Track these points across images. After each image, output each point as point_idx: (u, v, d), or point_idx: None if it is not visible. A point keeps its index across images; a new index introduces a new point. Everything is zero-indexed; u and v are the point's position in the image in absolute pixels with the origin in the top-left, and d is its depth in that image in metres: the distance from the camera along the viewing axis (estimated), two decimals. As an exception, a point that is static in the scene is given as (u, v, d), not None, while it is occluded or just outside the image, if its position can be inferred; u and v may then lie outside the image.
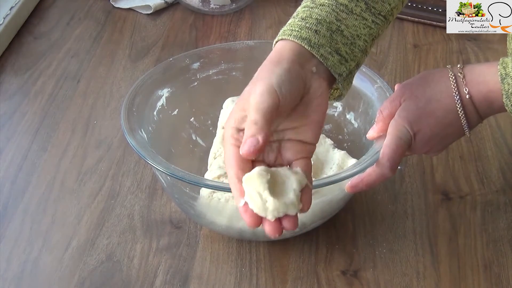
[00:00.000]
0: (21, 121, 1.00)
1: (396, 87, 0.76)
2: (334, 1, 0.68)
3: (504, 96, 0.68)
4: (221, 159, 0.83)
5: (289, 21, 0.68)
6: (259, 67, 0.64)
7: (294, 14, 0.68)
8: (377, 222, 0.83)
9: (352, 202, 0.84)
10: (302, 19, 0.67)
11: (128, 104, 0.80)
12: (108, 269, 0.78)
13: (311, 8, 0.67)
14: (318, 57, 0.65)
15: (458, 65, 0.71)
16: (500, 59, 0.69)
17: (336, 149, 0.85)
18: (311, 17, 0.66)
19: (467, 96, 0.69)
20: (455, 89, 0.70)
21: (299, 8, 0.69)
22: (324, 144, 0.85)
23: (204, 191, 0.77)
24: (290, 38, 0.65)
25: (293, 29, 0.66)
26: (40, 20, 1.23)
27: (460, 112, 0.70)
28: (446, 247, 0.80)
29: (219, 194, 0.76)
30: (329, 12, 0.67)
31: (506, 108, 0.68)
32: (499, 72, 0.68)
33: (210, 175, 0.80)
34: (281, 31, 0.67)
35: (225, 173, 0.79)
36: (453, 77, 0.70)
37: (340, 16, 0.67)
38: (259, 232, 0.77)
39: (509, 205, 0.85)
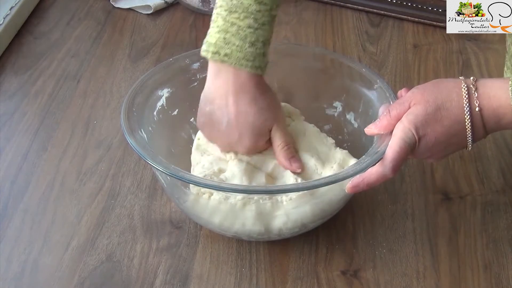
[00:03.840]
0: (21, 121, 1.00)
1: (403, 91, 0.76)
2: (270, 16, 0.77)
3: None
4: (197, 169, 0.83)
5: (238, 43, 0.76)
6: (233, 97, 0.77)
7: (242, 34, 0.76)
8: (377, 222, 0.83)
9: (352, 202, 0.84)
10: (252, 44, 0.76)
11: (128, 104, 0.80)
12: (108, 269, 0.78)
13: (256, 29, 0.76)
14: (263, 74, 0.78)
15: (472, 77, 0.71)
16: None
17: (337, 148, 0.85)
18: (258, 41, 0.76)
19: (477, 109, 0.70)
20: (466, 100, 0.70)
21: (242, 23, 0.76)
22: (326, 143, 0.85)
23: (193, 190, 0.77)
24: (247, 70, 0.76)
25: (248, 58, 0.76)
26: (40, 20, 1.23)
27: (468, 123, 0.70)
28: (446, 247, 0.80)
29: (214, 194, 0.76)
30: (268, 30, 0.77)
31: None
32: (510, 88, 0.68)
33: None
34: (234, 56, 0.76)
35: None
36: (466, 89, 0.70)
37: (272, 27, 0.78)
38: (254, 233, 0.77)
39: (509, 205, 0.85)
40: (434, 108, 0.70)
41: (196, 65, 0.90)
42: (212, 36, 0.77)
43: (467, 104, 0.70)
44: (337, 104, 0.90)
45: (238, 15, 0.75)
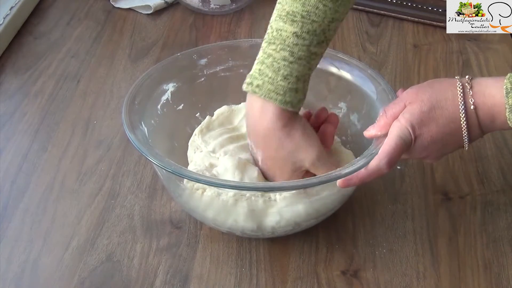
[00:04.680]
0: (21, 121, 1.00)
1: (399, 92, 0.76)
2: (308, 52, 0.74)
3: (507, 110, 0.68)
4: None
5: (270, 75, 0.73)
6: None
7: (275, 66, 0.73)
8: (377, 222, 0.83)
9: (352, 202, 0.84)
10: (284, 77, 0.73)
11: (131, 97, 0.81)
12: (108, 269, 0.78)
13: (291, 63, 0.73)
14: (296, 111, 0.75)
15: (467, 76, 0.71)
16: (508, 74, 0.69)
17: (342, 147, 0.86)
18: (291, 75, 0.73)
19: (472, 107, 0.69)
20: (461, 98, 0.70)
21: (278, 55, 0.73)
22: (334, 142, 0.85)
23: (188, 185, 0.77)
24: (276, 104, 0.73)
25: (278, 92, 0.73)
26: (40, 20, 1.23)
27: (463, 122, 0.70)
28: (446, 247, 0.80)
29: (207, 190, 0.76)
30: (305, 65, 0.74)
31: (509, 122, 0.68)
32: (505, 86, 0.68)
33: None
34: (265, 88, 0.73)
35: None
36: (461, 87, 0.70)
37: (311, 64, 0.75)
38: (246, 230, 0.78)
39: (509, 205, 0.85)
40: (429, 107, 0.70)
41: (203, 61, 0.90)
42: (253, 68, 0.76)
43: (462, 102, 0.70)
44: (342, 105, 0.90)
45: (275, 46, 0.74)
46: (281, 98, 0.73)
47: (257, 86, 0.74)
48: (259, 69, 0.74)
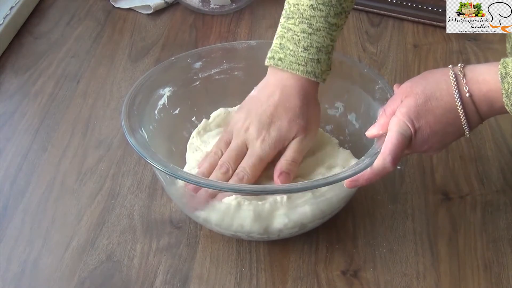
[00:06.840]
0: (21, 121, 1.00)
1: (394, 87, 0.76)
2: (327, 23, 0.78)
3: (504, 96, 0.67)
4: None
5: (292, 48, 0.77)
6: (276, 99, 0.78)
7: (296, 38, 0.77)
8: (377, 222, 0.83)
9: (352, 202, 0.84)
10: (305, 49, 0.77)
11: (129, 103, 0.81)
12: (108, 269, 0.78)
13: (310, 34, 0.77)
14: (321, 82, 0.79)
15: (459, 64, 0.71)
16: (502, 59, 0.69)
17: (341, 148, 0.86)
18: (312, 46, 0.77)
19: (467, 95, 0.69)
20: (455, 87, 0.70)
21: (297, 28, 0.77)
22: (331, 142, 0.85)
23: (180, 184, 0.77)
24: (298, 74, 0.77)
25: (300, 63, 0.77)
26: (40, 20, 1.23)
27: (460, 111, 0.70)
28: (446, 247, 0.80)
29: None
30: (325, 36, 0.78)
31: (506, 107, 0.68)
32: (500, 72, 0.68)
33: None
34: (287, 60, 0.77)
35: None
36: (454, 76, 0.70)
37: (333, 36, 0.79)
38: (253, 233, 0.77)
39: (509, 205, 0.85)
40: (424, 99, 0.70)
41: (197, 65, 0.90)
42: (272, 43, 0.80)
43: (457, 91, 0.70)
44: (339, 104, 0.90)
45: (294, 20, 0.78)
46: (303, 68, 0.77)
47: (280, 59, 0.78)
48: (280, 43, 0.79)
